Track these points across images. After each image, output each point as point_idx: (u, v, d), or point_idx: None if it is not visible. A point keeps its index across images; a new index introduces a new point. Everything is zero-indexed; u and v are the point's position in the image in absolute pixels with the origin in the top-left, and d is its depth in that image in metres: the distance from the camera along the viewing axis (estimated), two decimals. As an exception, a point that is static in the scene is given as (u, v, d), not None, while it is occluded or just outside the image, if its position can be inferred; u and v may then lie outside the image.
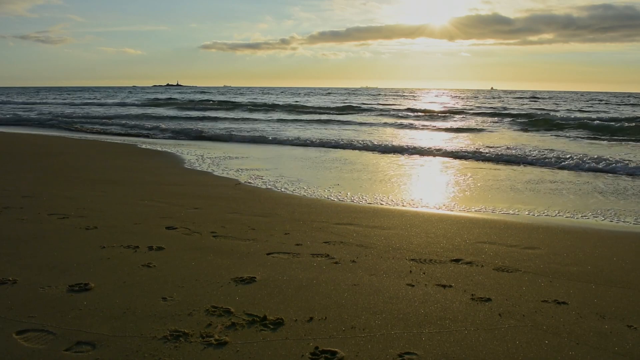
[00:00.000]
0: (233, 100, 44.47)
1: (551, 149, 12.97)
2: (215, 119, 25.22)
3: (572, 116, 25.31)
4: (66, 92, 79.40)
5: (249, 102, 41.38)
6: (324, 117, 26.73)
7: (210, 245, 4.33)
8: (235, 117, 26.71)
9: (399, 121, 24.34)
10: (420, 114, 29.26)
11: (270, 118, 26.46)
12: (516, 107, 36.58)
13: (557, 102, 47.08)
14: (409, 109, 32.60)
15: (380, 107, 36.05)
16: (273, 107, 34.93)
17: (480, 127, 21.59)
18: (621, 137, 17.27)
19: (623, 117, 25.06)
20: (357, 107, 35.18)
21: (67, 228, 4.77)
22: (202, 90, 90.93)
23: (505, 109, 34.25)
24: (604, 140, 16.68)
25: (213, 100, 42.59)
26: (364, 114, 30.52)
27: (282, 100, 47.40)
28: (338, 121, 24.34)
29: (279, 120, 24.60)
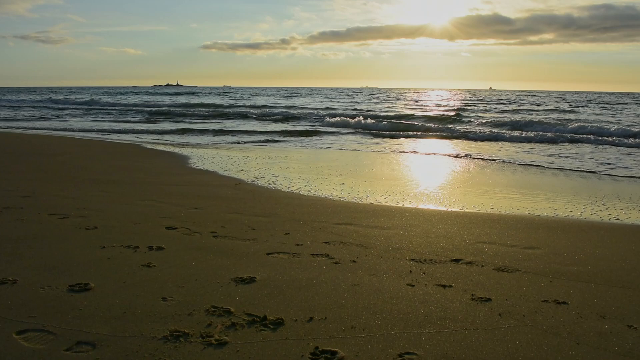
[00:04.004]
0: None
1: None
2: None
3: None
4: (51, 92, 78.59)
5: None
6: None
7: (210, 245, 4.33)
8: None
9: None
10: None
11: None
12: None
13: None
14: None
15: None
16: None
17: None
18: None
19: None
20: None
21: (67, 228, 4.77)
22: (191, 91, 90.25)
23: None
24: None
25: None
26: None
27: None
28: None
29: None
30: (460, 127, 20.89)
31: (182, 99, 50.64)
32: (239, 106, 36.75)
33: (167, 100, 47.68)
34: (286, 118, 26.86)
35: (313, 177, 8.50)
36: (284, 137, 17.13)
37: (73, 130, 19.01)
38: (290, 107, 37.06)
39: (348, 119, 23.55)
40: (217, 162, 10.36)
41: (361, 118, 23.66)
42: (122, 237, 4.46)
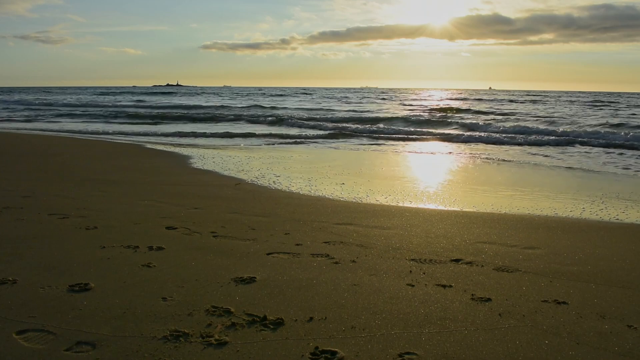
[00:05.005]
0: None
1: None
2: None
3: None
4: (45, 92, 78.12)
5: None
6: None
7: (210, 245, 4.33)
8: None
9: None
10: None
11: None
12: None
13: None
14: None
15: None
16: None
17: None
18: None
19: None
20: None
21: (67, 228, 4.77)
22: (186, 91, 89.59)
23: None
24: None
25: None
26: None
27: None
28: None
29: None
30: (447, 129, 20.58)
31: (167, 100, 49.57)
32: (232, 107, 36.11)
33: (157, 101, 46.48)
34: (274, 121, 25.33)
35: (314, 177, 8.51)
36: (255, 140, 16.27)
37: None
38: (274, 107, 35.82)
39: (327, 123, 22.90)
40: (218, 162, 10.36)
41: (341, 123, 23.11)
42: (122, 237, 4.46)
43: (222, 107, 36.40)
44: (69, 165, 9.51)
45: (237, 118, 26.94)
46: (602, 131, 18.42)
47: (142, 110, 32.27)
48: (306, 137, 17.33)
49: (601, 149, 14.43)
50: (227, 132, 18.59)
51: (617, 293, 3.41)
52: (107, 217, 5.21)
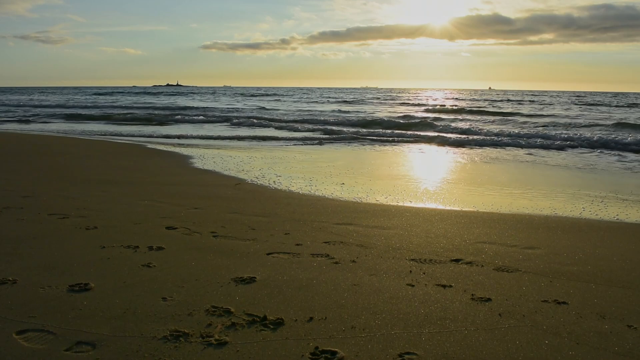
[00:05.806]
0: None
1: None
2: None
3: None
4: (41, 93, 77.97)
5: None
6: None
7: (210, 245, 4.33)
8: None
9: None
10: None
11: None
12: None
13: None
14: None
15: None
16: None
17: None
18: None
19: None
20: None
21: (67, 228, 4.77)
22: (182, 91, 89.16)
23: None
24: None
25: None
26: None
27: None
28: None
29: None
30: (445, 131, 20.09)
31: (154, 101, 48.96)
32: (223, 109, 35.58)
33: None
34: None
35: (314, 177, 8.51)
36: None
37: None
38: (262, 108, 35.42)
39: (298, 125, 22.37)
40: (218, 162, 10.37)
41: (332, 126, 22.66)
42: (122, 237, 4.46)
43: (208, 108, 36.05)
44: (69, 165, 9.51)
45: (226, 119, 26.26)
46: (602, 131, 18.40)
47: (116, 112, 31.49)
48: (303, 139, 17.29)
49: (601, 149, 14.41)
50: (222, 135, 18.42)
51: (617, 293, 3.41)
52: (107, 217, 5.22)
